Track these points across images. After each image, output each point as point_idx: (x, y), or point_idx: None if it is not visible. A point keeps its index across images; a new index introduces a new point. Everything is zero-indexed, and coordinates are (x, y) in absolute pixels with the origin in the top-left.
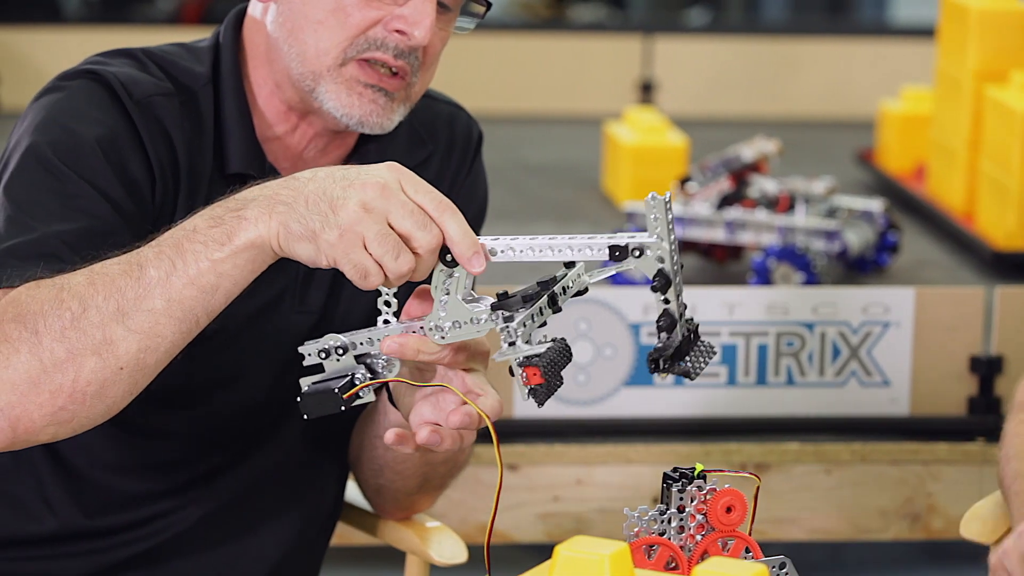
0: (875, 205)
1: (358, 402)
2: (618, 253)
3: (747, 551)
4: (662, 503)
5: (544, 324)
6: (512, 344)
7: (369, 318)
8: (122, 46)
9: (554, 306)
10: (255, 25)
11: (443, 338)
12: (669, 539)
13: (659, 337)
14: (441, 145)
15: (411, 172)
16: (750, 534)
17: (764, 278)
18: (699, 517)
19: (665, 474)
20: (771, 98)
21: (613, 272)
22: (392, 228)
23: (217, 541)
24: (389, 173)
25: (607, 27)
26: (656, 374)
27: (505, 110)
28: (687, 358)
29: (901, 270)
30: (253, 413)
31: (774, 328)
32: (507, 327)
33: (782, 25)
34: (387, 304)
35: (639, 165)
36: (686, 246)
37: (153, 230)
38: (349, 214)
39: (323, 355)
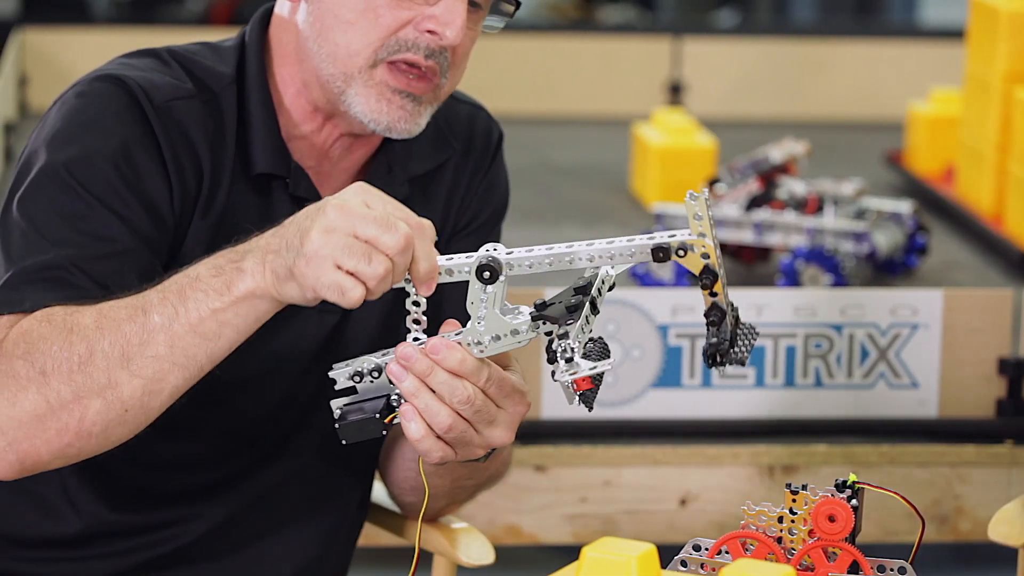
0: (904, 207)
1: (396, 423)
2: (662, 254)
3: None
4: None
5: (591, 331)
6: (570, 360)
7: (387, 318)
8: (151, 46)
9: (595, 311)
10: (283, 24)
11: (482, 351)
12: (777, 539)
13: (709, 332)
14: (459, 146)
15: (379, 191)
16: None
17: (792, 280)
18: (809, 522)
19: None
20: (800, 99)
21: (634, 263)
22: (358, 238)
23: (242, 543)
24: (352, 194)
25: (635, 28)
26: (714, 368)
27: (533, 111)
28: (740, 350)
29: (930, 272)
30: (279, 412)
31: (802, 330)
32: (562, 344)
33: (811, 26)
34: (416, 323)
35: (667, 166)
36: None
37: (173, 241)
38: (313, 240)
39: (357, 378)
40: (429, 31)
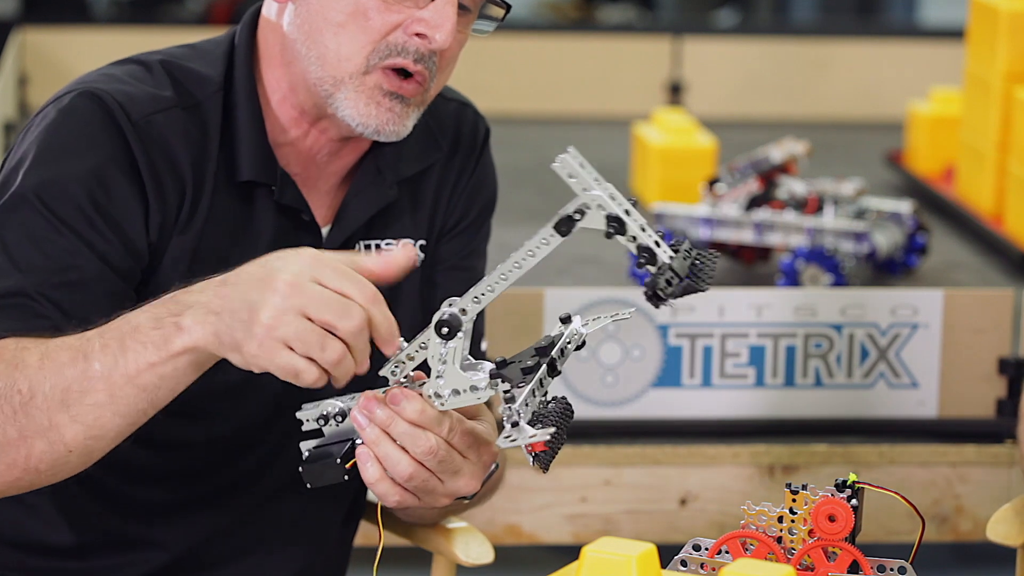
0: (904, 207)
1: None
2: (564, 227)
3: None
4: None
5: (546, 394)
6: (516, 425)
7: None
8: (150, 46)
9: (554, 372)
10: (269, 26)
11: (443, 405)
12: (777, 538)
13: (647, 271)
14: (447, 146)
15: (332, 257)
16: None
17: (792, 279)
18: (809, 522)
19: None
20: (800, 99)
21: (610, 321)
22: (312, 321)
23: (238, 554)
24: (303, 267)
25: (636, 28)
26: (661, 305)
27: (533, 111)
28: (689, 277)
29: (930, 272)
30: (267, 423)
31: (802, 330)
32: (509, 408)
33: (811, 26)
34: (405, 376)
35: (668, 166)
36: (715, 247)
37: (151, 259)
38: (265, 320)
39: (322, 421)
40: (418, 34)
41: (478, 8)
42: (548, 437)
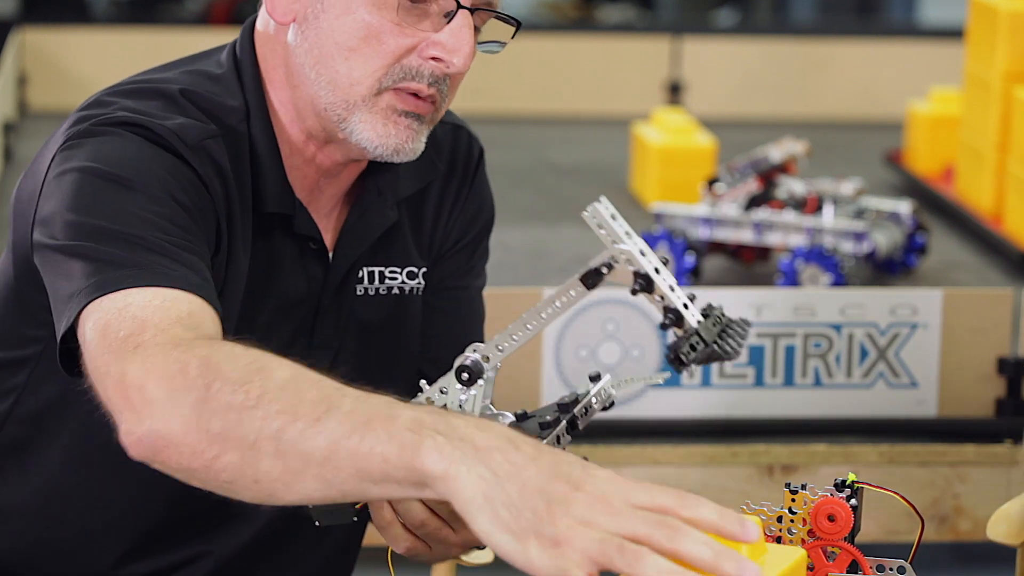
0: (903, 206)
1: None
2: (591, 280)
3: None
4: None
5: (564, 450)
6: None
7: (382, 355)
8: (150, 46)
9: (573, 430)
10: (268, 43)
11: None
12: (776, 538)
13: (674, 333)
14: (443, 167)
15: (636, 482)
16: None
17: (792, 279)
18: (808, 522)
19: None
20: (799, 99)
21: (642, 385)
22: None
23: (254, 557)
24: (610, 483)
25: (635, 28)
26: (683, 371)
27: (533, 111)
28: (714, 344)
29: (929, 271)
30: None
31: (802, 329)
32: None
33: (810, 26)
34: None
35: (667, 166)
36: (714, 247)
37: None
38: (569, 526)
39: None
40: (434, 58)
41: (483, 26)
42: None
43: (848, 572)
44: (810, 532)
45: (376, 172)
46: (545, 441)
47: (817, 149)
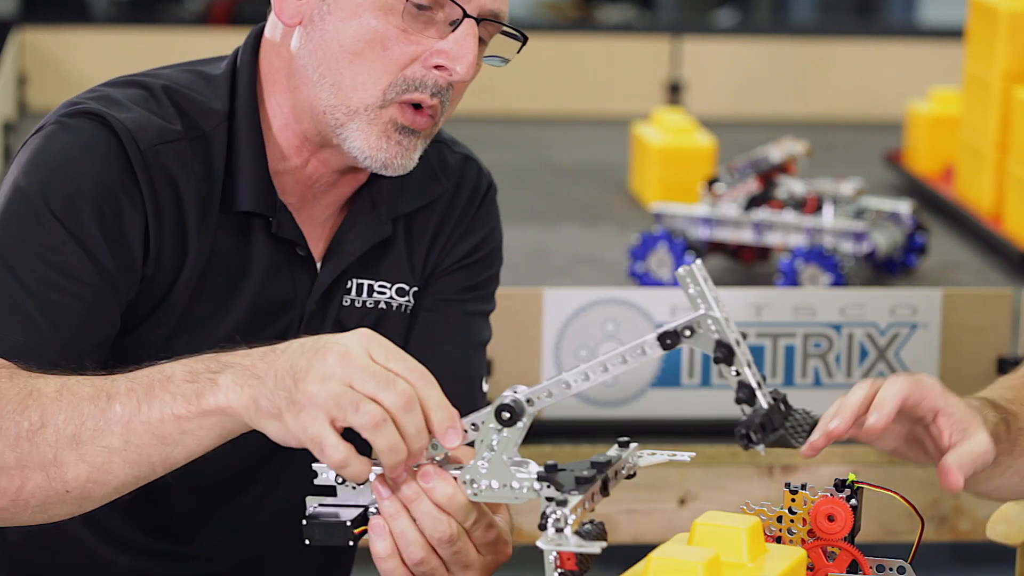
0: (903, 206)
1: (366, 537)
2: (669, 341)
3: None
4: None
5: (593, 511)
6: (560, 531)
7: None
8: (150, 46)
9: (605, 492)
10: (274, 49)
11: (475, 494)
12: (776, 538)
13: (742, 411)
14: (450, 187)
15: (383, 339)
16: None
17: (792, 279)
18: (808, 522)
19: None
20: (799, 99)
21: (667, 459)
22: (354, 390)
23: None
24: (356, 340)
25: (635, 28)
26: (749, 447)
27: (533, 111)
28: (783, 428)
29: (929, 271)
30: (259, 449)
31: (801, 329)
32: (558, 512)
33: (810, 26)
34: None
35: (667, 166)
36: (714, 247)
37: (152, 295)
38: (308, 386)
39: (339, 479)
40: (437, 66)
41: (490, 38)
42: (597, 551)
43: (848, 572)
44: (810, 532)
45: (374, 184)
46: (582, 496)
47: (817, 149)
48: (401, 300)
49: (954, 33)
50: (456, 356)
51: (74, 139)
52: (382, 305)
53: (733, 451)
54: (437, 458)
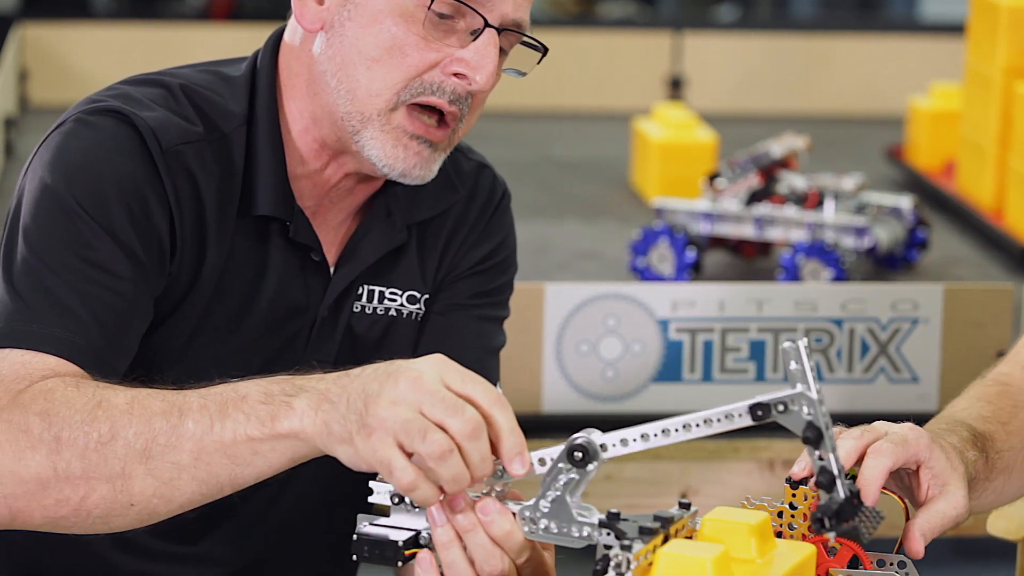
0: (904, 201)
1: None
2: (760, 412)
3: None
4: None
5: (650, 564)
6: (622, 575)
7: None
8: (151, 42)
9: (666, 542)
10: (293, 53)
11: (531, 532)
12: (777, 534)
13: (819, 495)
14: (464, 192)
15: (458, 365)
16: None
17: (793, 274)
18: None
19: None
20: (800, 94)
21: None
22: (424, 416)
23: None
24: (430, 366)
25: (636, 23)
26: (822, 532)
27: (534, 106)
28: (856, 520)
29: (930, 267)
30: None
31: (803, 324)
32: (621, 556)
33: (811, 21)
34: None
35: (668, 161)
36: (715, 242)
37: (174, 291)
38: (379, 410)
39: (395, 500)
40: (456, 74)
41: (511, 49)
42: None
43: (849, 567)
44: (811, 527)
45: (389, 193)
46: (645, 546)
47: (818, 144)
48: (412, 308)
49: (955, 28)
50: (468, 360)
51: (97, 136)
52: (392, 312)
53: (734, 446)
54: (497, 488)
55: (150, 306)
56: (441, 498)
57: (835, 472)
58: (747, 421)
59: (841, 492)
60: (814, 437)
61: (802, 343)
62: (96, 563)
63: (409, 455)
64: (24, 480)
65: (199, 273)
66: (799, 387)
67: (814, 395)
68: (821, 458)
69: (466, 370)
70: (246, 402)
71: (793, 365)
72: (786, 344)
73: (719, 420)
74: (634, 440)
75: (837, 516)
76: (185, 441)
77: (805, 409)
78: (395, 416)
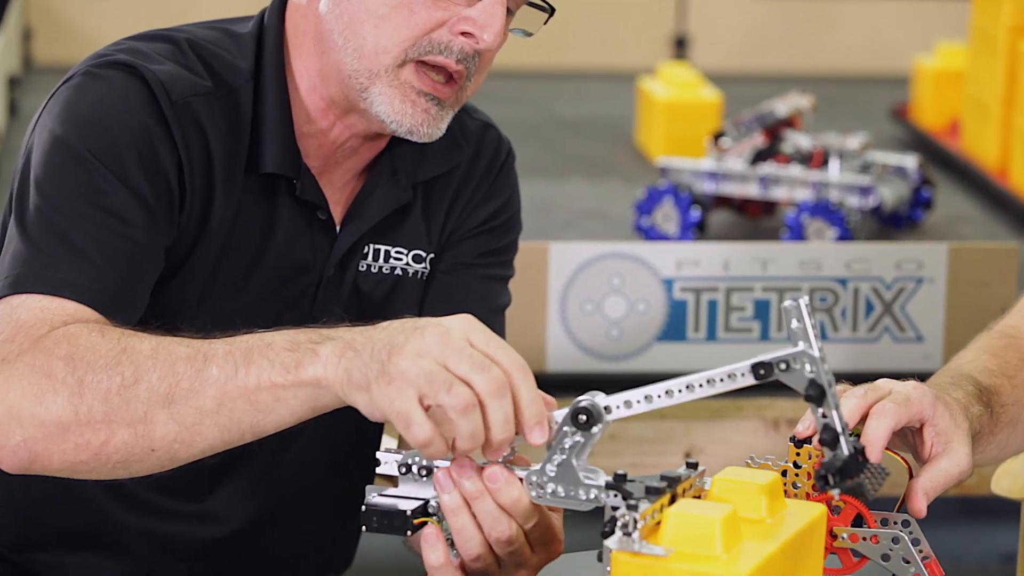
0: (909, 161)
1: (422, 530)
2: (763, 371)
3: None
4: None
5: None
6: (628, 535)
7: None
8: (155, 4)
9: (672, 503)
10: (300, 11)
11: (538, 496)
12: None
13: (823, 453)
14: (469, 154)
15: (485, 326)
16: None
17: (797, 234)
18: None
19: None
20: (805, 54)
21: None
22: (448, 370)
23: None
24: (458, 323)
25: None
26: (825, 489)
27: (539, 65)
28: (860, 476)
29: (935, 226)
30: None
31: (807, 283)
32: (628, 515)
33: None
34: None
35: (672, 120)
36: (720, 201)
37: (181, 244)
38: (402, 360)
39: (403, 470)
40: (464, 33)
41: (518, 9)
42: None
43: (852, 526)
44: (814, 486)
45: (395, 150)
46: (652, 504)
47: (823, 103)
48: (417, 267)
49: None
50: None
51: (107, 87)
52: (398, 271)
53: (738, 405)
54: (504, 453)
55: (162, 256)
56: (450, 459)
57: (838, 429)
58: (750, 380)
59: (845, 449)
60: (816, 395)
61: (803, 301)
62: (98, 521)
63: (426, 409)
64: (45, 424)
65: (206, 226)
66: (801, 345)
67: (816, 353)
68: (824, 415)
69: (493, 333)
70: (271, 349)
71: (795, 323)
72: (787, 303)
73: (722, 380)
74: (638, 402)
75: (841, 472)
76: (208, 387)
77: (807, 367)
78: (419, 367)
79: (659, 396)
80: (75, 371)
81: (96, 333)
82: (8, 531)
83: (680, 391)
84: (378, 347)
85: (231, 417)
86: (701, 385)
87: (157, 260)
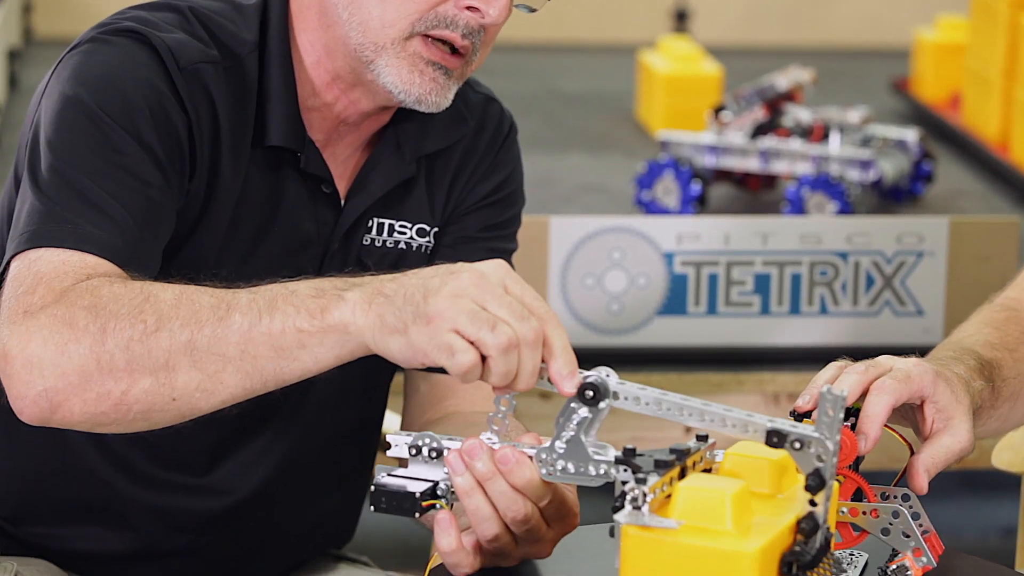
0: (910, 134)
1: (432, 512)
2: (776, 439)
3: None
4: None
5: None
6: (638, 508)
7: None
8: None
9: (682, 477)
10: None
11: (549, 473)
12: None
13: (796, 539)
14: (471, 127)
15: (518, 275)
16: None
17: (798, 207)
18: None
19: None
20: (806, 27)
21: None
22: (487, 311)
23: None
24: (493, 268)
25: None
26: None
27: (539, 39)
28: (823, 564)
29: (936, 199)
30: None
31: (808, 257)
32: (637, 489)
33: None
34: (495, 427)
35: (673, 94)
36: (720, 175)
37: (185, 202)
38: (440, 301)
39: (413, 451)
40: (469, 7)
41: None
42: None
43: (852, 500)
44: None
45: (398, 126)
46: (661, 478)
47: (823, 77)
48: (421, 240)
49: None
50: None
51: (116, 51)
52: (402, 245)
53: (739, 379)
54: (501, 408)
55: (174, 216)
56: (460, 442)
57: (820, 522)
58: (760, 439)
59: (820, 540)
60: (816, 484)
61: (842, 394)
62: (100, 493)
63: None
64: (66, 373)
65: (213, 196)
66: (823, 434)
67: (831, 447)
68: (814, 504)
69: (523, 281)
70: (296, 296)
71: (826, 417)
72: (826, 391)
73: (733, 424)
74: (647, 404)
75: (808, 566)
76: (232, 333)
77: (819, 456)
78: (459, 307)
79: (669, 409)
80: (97, 319)
81: (119, 284)
82: (8, 503)
83: (691, 414)
84: (411, 291)
85: (254, 364)
86: (711, 419)
87: (170, 220)
